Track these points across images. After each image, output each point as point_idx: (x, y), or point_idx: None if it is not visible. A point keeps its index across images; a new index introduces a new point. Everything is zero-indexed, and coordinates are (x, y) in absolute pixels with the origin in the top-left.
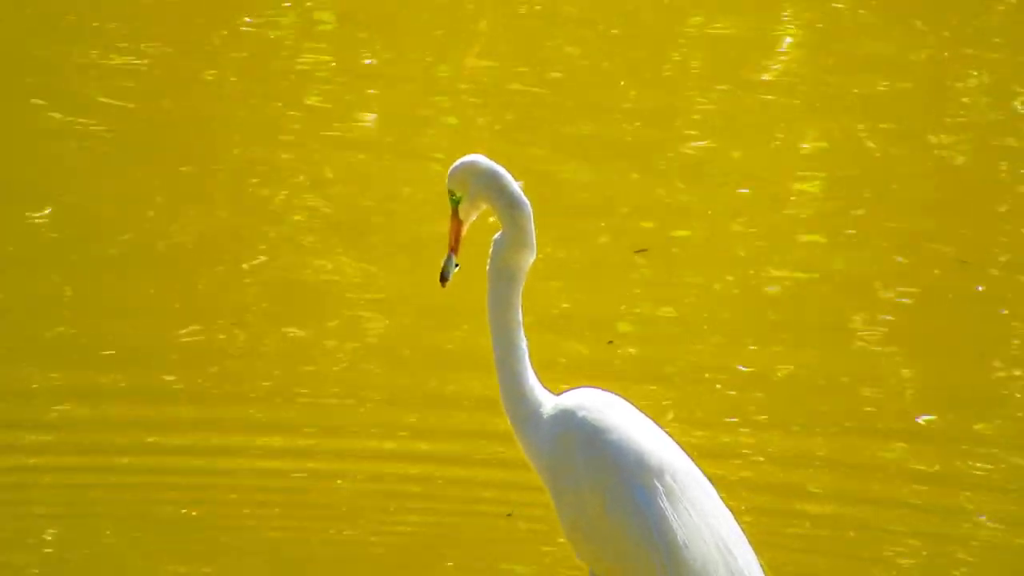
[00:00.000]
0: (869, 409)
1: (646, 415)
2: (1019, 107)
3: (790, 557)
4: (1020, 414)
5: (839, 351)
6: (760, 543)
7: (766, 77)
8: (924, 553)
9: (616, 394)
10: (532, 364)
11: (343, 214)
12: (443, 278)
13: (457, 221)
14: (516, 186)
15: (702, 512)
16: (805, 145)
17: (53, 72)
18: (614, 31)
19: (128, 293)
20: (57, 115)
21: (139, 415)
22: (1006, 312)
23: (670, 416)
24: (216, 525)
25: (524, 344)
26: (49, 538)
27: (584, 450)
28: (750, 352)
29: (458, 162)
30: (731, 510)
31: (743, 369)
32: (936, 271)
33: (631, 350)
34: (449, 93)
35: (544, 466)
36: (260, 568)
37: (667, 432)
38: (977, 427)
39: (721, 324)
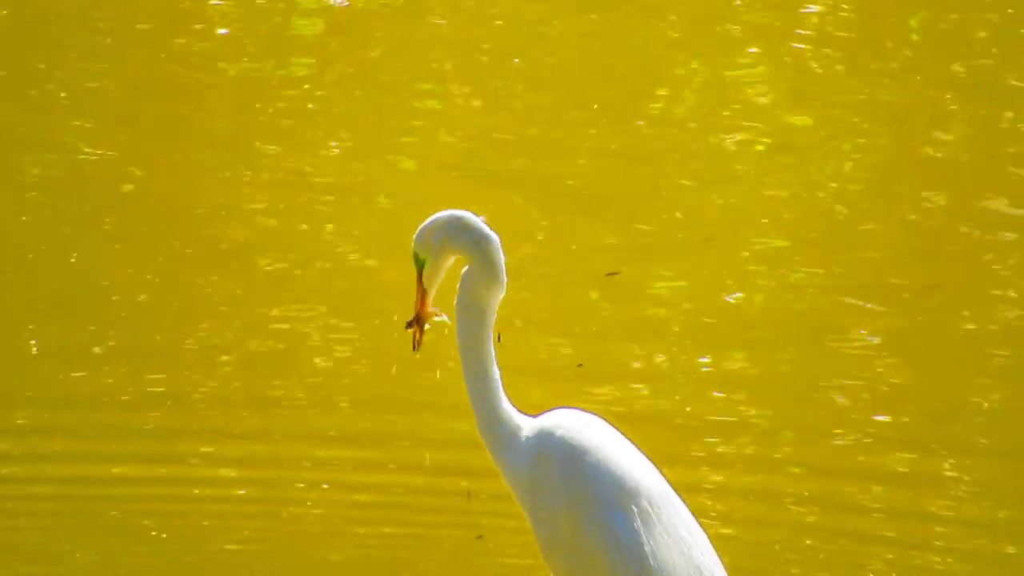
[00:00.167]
0: (845, 420)
1: (624, 435)
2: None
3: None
4: (996, 424)
5: (818, 362)
6: (735, 557)
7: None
8: (895, 561)
9: (594, 414)
10: (506, 383)
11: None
12: (415, 346)
13: (422, 289)
14: (480, 220)
15: (677, 536)
16: (769, 186)
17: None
18: (586, 74)
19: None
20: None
21: (97, 435)
22: (976, 327)
23: (640, 429)
24: (182, 544)
25: (496, 373)
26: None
27: (562, 470)
28: (722, 370)
29: (420, 227)
30: (705, 529)
31: (716, 391)
32: (906, 295)
33: (602, 371)
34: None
35: (523, 487)
36: None
37: (644, 453)
38: (954, 435)
39: (696, 340)
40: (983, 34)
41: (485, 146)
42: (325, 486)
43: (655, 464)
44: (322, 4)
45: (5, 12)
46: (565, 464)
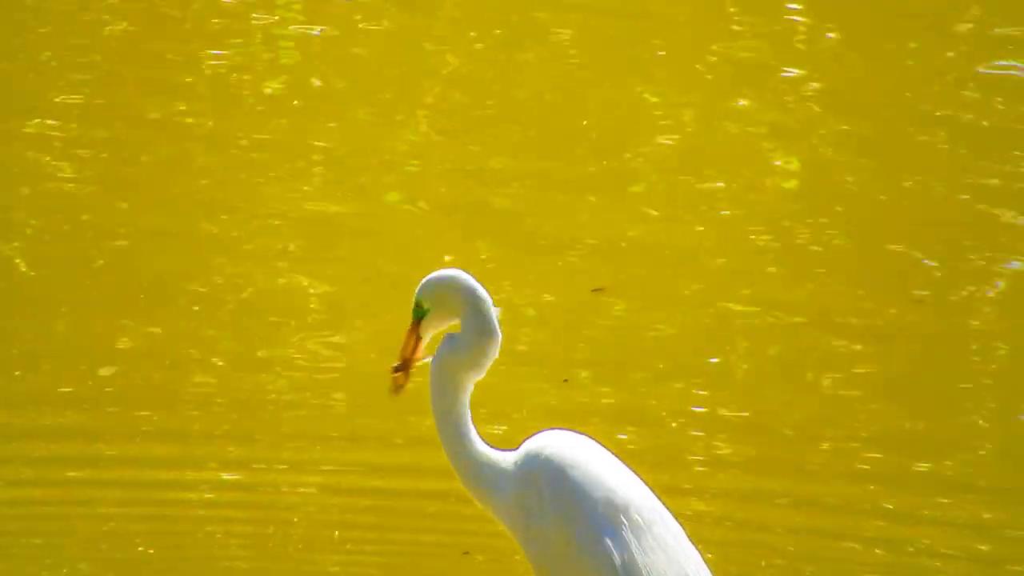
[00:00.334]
0: (828, 447)
1: (611, 452)
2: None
3: None
4: (983, 452)
5: (801, 392)
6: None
7: (742, 102)
8: None
9: (581, 433)
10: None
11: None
12: (396, 389)
13: (415, 336)
14: (494, 312)
15: (668, 549)
16: (772, 182)
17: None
18: (584, 60)
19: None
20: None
21: (86, 448)
22: (974, 348)
23: (631, 450)
24: (169, 558)
25: (470, 425)
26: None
27: (550, 487)
28: (704, 395)
29: (435, 275)
30: (696, 546)
31: (698, 409)
32: (893, 309)
33: (587, 388)
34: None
35: (513, 512)
36: None
37: (632, 469)
38: (941, 466)
39: (680, 363)
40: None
41: (458, 177)
42: (310, 499)
43: (642, 480)
44: (297, 32)
45: None
46: (553, 482)
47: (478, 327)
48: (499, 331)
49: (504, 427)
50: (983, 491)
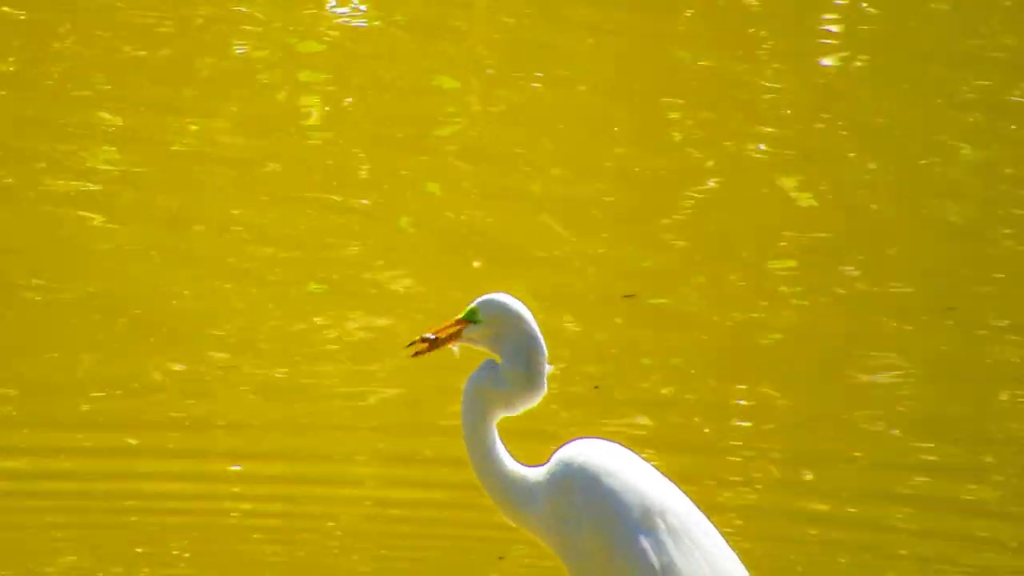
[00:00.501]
0: (868, 441)
1: (643, 459)
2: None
3: None
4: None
5: (838, 386)
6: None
7: (769, 129)
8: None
9: (613, 441)
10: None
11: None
12: (415, 353)
13: (457, 331)
14: (546, 369)
15: (705, 552)
16: (796, 194)
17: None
18: (602, 82)
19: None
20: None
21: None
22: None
23: (656, 454)
24: (206, 559)
25: (498, 442)
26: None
27: (585, 495)
28: (741, 390)
29: (504, 302)
30: (732, 546)
31: (741, 402)
32: (924, 317)
33: (618, 394)
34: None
35: (548, 523)
36: None
37: (664, 474)
38: (981, 457)
39: (713, 363)
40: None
41: (504, 166)
42: (346, 503)
43: (676, 485)
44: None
45: None
46: (587, 490)
47: (528, 377)
48: (545, 388)
49: (534, 437)
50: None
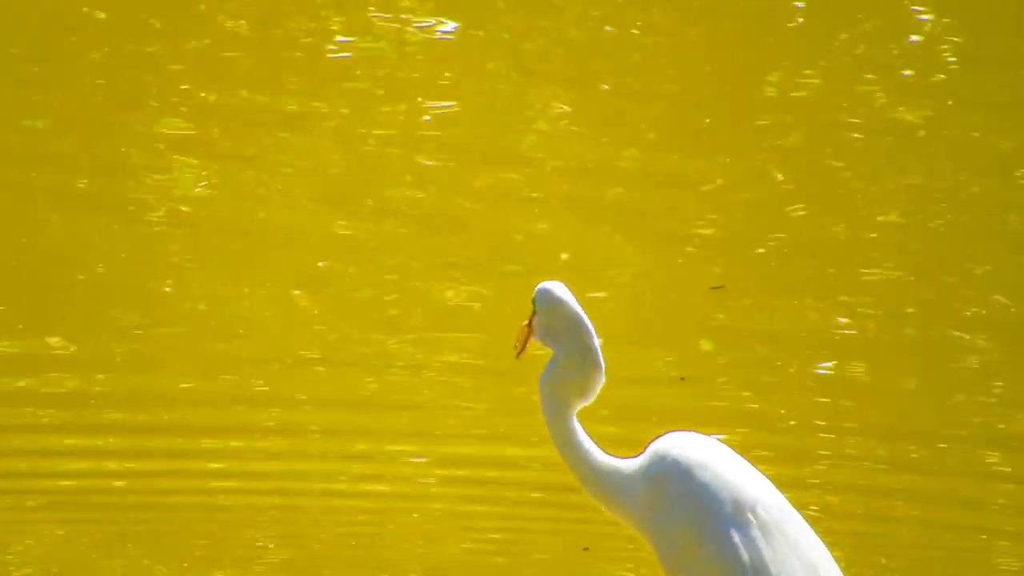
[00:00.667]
0: (958, 418)
1: (736, 452)
2: None
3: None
4: None
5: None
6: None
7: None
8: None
9: (704, 434)
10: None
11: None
12: (518, 353)
13: (528, 328)
14: (597, 343)
15: (796, 546)
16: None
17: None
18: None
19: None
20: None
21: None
22: None
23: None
24: (290, 545)
25: (583, 435)
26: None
27: (678, 488)
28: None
29: (549, 287)
30: (819, 535)
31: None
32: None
33: (703, 387)
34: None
35: (642, 515)
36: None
37: (757, 468)
38: None
39: (796, 350)
40: None
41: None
42: (432, 491)
43: (767, 477)
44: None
45: None
46: (680, 483)
47: (581, 355)
48: (602, 363)
49: (623, 427)
50: None
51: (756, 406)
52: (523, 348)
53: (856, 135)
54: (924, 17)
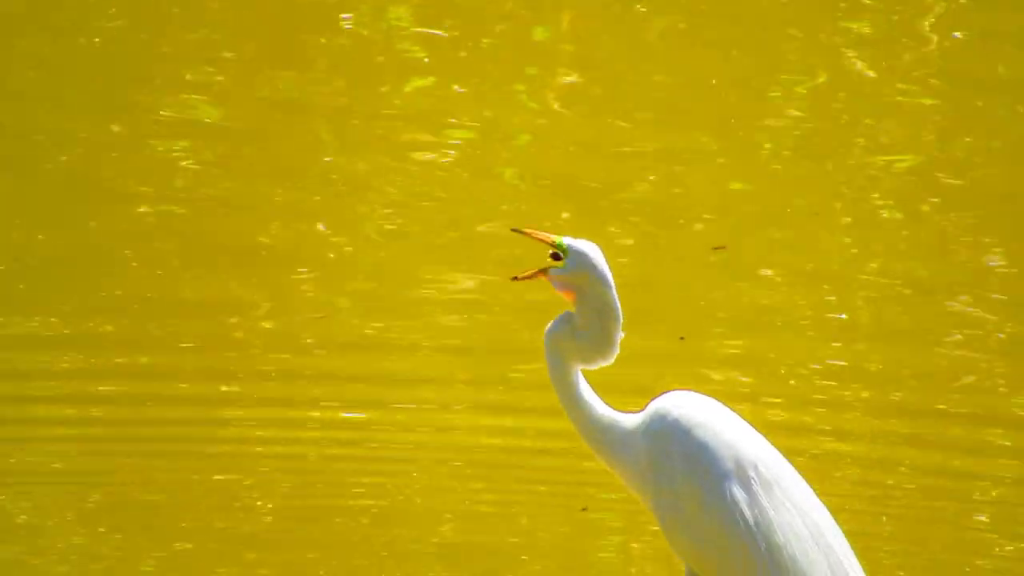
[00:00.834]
0: (957, 396)
1: (734, 412)
2: None
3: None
4: None
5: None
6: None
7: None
8: None
9: (704, 394)
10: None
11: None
12: (515, 279)
13: (545, 276)
14: (619, 326)
15: (797, 503)
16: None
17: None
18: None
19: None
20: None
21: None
22: None
23: (748, 404)
24: (291, 505)
25: (586, 388)
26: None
27: (679, 447)
28: (832, 348)
29: (596, 257)
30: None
31: (826, 364)
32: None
33: (704, 345)
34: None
35: (643, 474)
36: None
37: (755, 428)
38: None
39: (799, 319)
40: None
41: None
42: (430, 450)
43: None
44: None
45: None
46: (681, 442)
47: (601, 340)
48: (617, 352)
49: (625, 385)
50: None
51: (753, 372)
52: (526, 279)
53: (848, 101)
54: None
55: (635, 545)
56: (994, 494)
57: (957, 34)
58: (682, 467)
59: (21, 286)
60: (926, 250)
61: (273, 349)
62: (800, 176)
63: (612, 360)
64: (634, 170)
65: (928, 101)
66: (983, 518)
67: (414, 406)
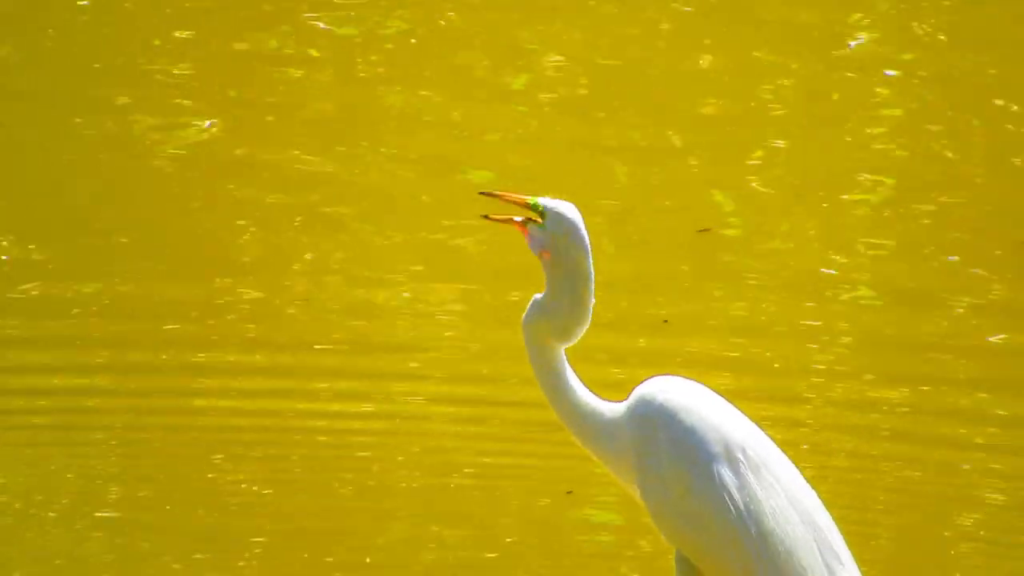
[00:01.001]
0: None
1: (721, 396)
2: None
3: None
4: None
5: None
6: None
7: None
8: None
9: (689, 378)
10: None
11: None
12: (490, 216)
13: (521, 228)
14: (591, 300)
15: (785, 486)
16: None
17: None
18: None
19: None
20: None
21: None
22: None
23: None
24: (279, 478)
25: (570, 375)
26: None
27: (665, 432)
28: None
29: (576, 220)
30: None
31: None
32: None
33: (687, 329)
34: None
35: (628, 460)
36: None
37: (742, 411)
38: None
39: (782, 302)
40: None
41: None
42: (414, 428)
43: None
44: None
45: None
46: (667, 427)
47: (571, 305)
48: (590, 313)
49: (610, 370)
50: None
51: (739, 352)
52: (499, 221)
53: (849, 74)
54: None
55: (624, 526)
56: (982, 485)
57: (942, 36)
58: (669, 452)
59: None
60: (917, 251)
61: (259, 337)
62: (798, 176)
63: (587, 325)
64: (612, 164)
65: (927, 101)
66: (971, 512)
67: (400, 380)
